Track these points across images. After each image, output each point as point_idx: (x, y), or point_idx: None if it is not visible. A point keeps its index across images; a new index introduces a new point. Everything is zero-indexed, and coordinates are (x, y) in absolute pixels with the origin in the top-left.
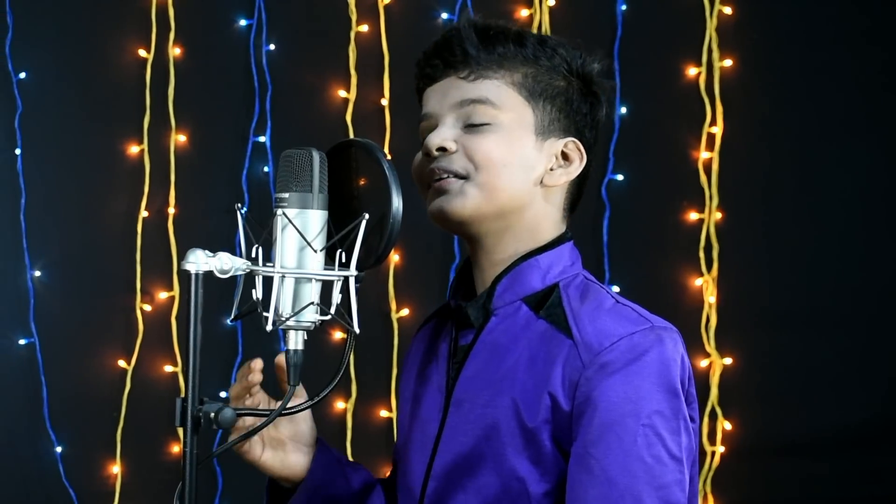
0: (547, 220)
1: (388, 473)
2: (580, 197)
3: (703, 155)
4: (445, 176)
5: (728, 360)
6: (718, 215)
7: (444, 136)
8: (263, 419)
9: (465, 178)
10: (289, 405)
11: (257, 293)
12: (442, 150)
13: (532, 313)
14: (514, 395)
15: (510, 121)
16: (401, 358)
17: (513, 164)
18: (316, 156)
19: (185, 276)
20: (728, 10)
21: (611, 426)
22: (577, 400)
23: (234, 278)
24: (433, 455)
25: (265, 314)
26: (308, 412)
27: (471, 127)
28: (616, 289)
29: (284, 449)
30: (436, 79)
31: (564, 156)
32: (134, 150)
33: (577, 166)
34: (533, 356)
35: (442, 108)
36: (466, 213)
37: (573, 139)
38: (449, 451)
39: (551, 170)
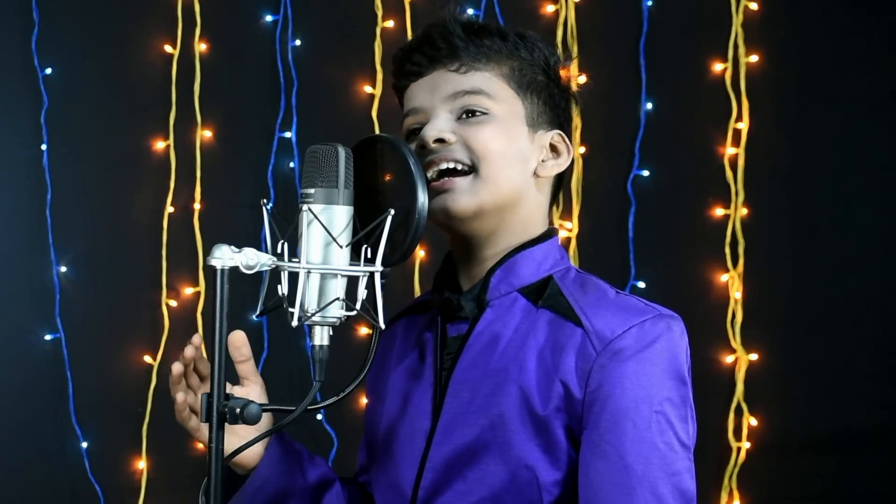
0: (538, 212)
1: None
2: (560, 190)
3: (730, 151)
4: (448, 165)
5: (754, 356)
6: (744, 211)
7: (440, 127)
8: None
9: (469, 169)
10: (263, 406)
11: (283, 289)
12: (440, 141)
13: (530, 304)
14: (522, 383)
15: (504, 112)
16: None
17: (511, 156)
18: (342, 151)
19: (210, 271)
20: (754, 6)
21: (626, 413)
22: (590, 387)
23: (259, 274)
24: (428, 447)
25: (291, 310)
26: (264, 395)
27: (466, 118)
28: (641, 284)
29: (238, 435)
30: (421, 74)
31: (553, 148)
32: (160, 145)
33: (565, 158)
34: (541, 345)
35: (433, 101)
36: (471, 210)
37: (559, 132)
38: (448, 442)
39: (543, 161)
